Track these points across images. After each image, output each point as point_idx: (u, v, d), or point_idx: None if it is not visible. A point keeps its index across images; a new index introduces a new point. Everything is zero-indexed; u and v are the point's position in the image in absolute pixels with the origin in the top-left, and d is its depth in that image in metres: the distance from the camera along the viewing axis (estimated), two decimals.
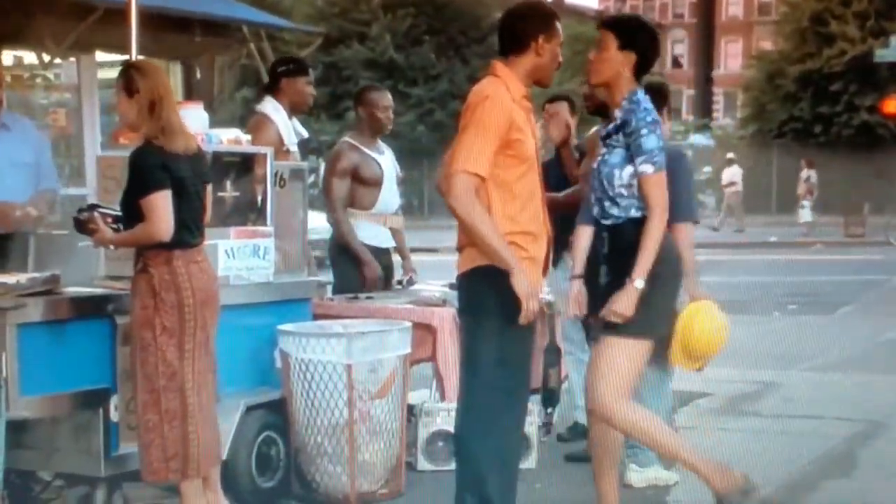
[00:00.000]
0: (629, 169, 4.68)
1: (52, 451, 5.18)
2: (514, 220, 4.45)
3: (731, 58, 63.76)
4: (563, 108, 6.79)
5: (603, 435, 4.89)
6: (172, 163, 4.74)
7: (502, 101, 4.42)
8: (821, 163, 31.49)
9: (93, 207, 5.00)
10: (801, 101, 40.16)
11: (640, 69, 4.74)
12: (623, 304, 4.61)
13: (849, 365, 9.58)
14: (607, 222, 4.76)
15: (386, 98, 7.15)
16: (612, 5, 64.57)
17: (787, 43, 42.08)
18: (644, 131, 4.63)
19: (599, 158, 4.79)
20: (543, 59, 4.56)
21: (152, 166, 4.71)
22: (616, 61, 4.70)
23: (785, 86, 40.58)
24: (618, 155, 4.71)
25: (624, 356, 4.69)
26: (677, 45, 67.27)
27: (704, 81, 64.23)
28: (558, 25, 4.60)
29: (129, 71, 4.87)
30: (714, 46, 66.00)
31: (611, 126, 4.78)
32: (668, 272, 4.73)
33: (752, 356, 9.83)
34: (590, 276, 4.83)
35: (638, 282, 4.59)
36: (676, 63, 66.61)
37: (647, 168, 4.63)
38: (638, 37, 4.75)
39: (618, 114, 4.73)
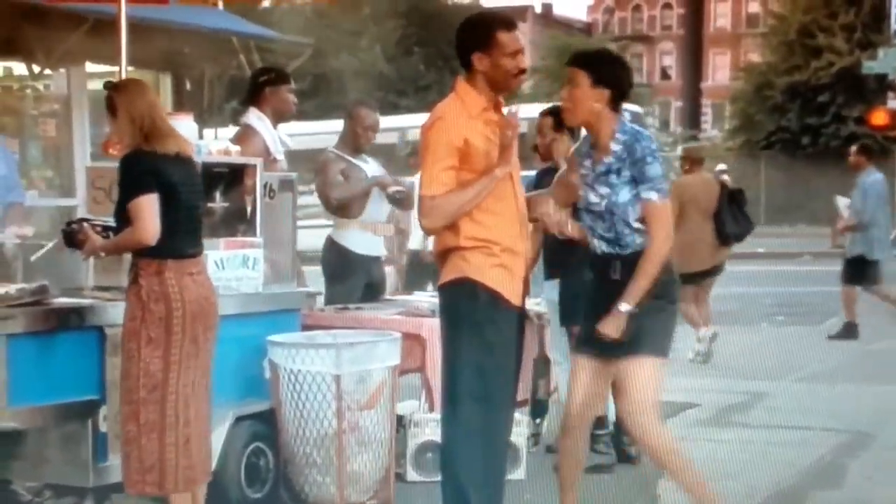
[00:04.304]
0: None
1: (41, 462, 5.16)
2: (481, 227, 4.50)
3: (719, 69, 63.87)
4: (545, 123, 6.69)
5: (574, 447, 4.88)
6: (162, 167, 4.73)
7: (453, 122, 4.49)
8: (808, 174, 31.44)
9: (82, 221, 5.01)
10: (788, 112, 40.22)
11: (617, 100, 4.67)
12: (611, 327, 4.60)
13: (836, 375, 9.60)
14: (625, 252, 4.68)
15: (371, 118, 7.15)
16: (601, 17, 64.74)
17: (775, 55, 42.17)
18: (649, 159, 4.60)
19: (600, 199, 4.69)
20: (490, 73, 4.53)
21: (140, 171, 4.71)
22: (590, 99, 4.62)
23: (773, 97, 40.64)
24: (626, 192, 4.64)
25: (648, 374, 4.67)
26: (665, 57, 67.39)
27: (693, 93, 64.39)
28: (501, 36, 4.51)
29: (109, 94, 4.88)
30: (702, 58, 66.14)
31: (602, 167, 4.68)
32: (671, 294, 4.77)
33: (740, 367, 9.86)
34: (598, 302, 4.74)
35: (623, 305, 4.58)
36: (665, 75, 66.74)
37: (652, 195, 4.60)
38: (609, 71, 4.68)
39: (614, 147, 4.65)
